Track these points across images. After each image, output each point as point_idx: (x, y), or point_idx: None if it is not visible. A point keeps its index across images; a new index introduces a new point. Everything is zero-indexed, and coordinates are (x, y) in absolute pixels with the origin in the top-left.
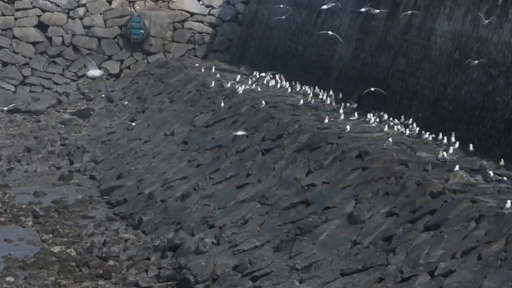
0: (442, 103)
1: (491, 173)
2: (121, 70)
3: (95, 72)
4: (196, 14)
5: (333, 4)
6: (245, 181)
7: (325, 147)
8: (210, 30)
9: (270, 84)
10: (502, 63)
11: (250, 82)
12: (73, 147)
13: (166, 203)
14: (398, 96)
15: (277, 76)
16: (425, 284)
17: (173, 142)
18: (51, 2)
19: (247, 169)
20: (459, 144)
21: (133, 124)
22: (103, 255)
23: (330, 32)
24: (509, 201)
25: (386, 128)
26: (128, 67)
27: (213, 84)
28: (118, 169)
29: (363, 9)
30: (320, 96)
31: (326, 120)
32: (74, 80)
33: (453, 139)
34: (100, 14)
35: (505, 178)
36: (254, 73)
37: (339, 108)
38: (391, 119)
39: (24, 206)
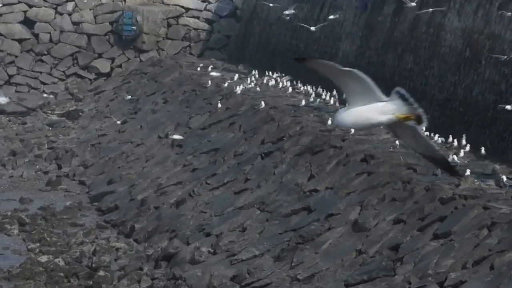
0: (452, 104)
1: (504, 177)
2: (112, 69)
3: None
4: (192, 9)
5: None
6: (244, 187)
7: (328, 151)
8: (207, 26)
9: (270, 83)
10: None
11: (249, 81)
12: (61, 150)
13: (159, 210)
14: None
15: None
16: None
17: (167, 145)
18: None
19: (245, 174)
20: (470, 147)
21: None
22: (93, 265)
23: (313, 28)
24: None
25: None
26: (120, 66)
27: (209, 83)
28: (109, 174)
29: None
30: (323, 96)
31: (329, 122)
32: (62, 80)
33: (463, 141)
34: (90, 9)
35: None
36: (253, 72)
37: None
38: None
39: (9, 213)
